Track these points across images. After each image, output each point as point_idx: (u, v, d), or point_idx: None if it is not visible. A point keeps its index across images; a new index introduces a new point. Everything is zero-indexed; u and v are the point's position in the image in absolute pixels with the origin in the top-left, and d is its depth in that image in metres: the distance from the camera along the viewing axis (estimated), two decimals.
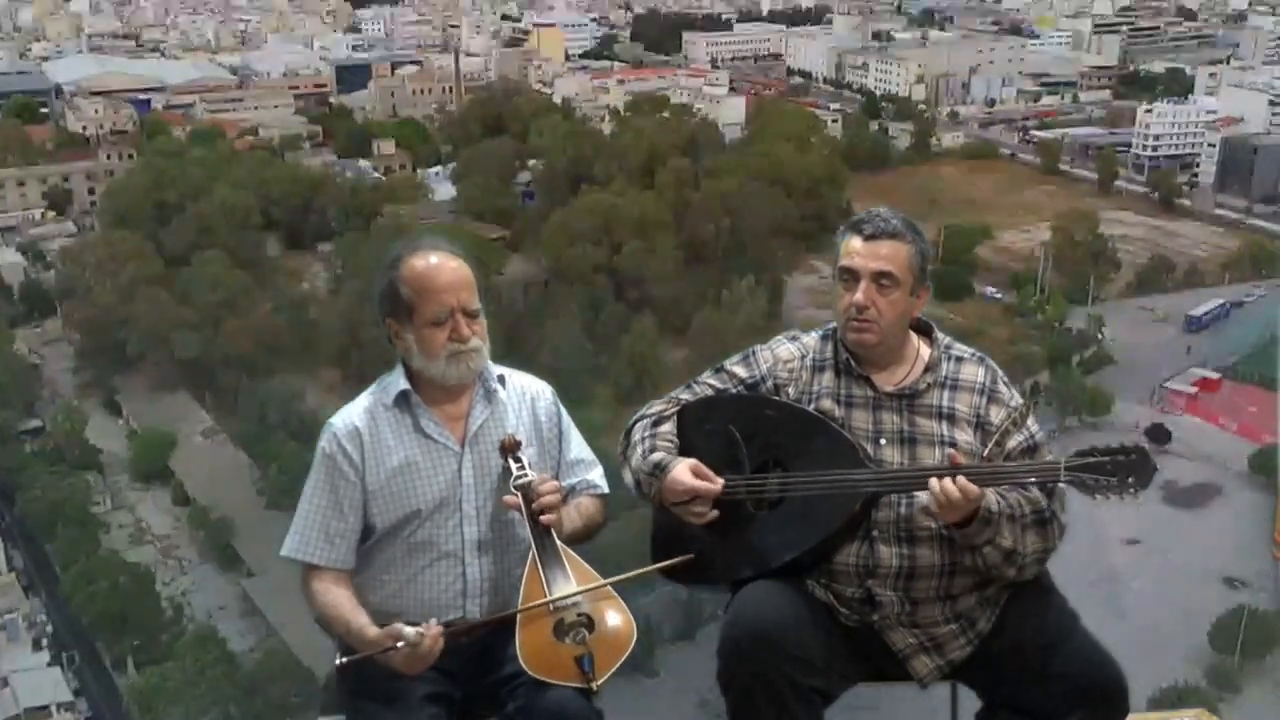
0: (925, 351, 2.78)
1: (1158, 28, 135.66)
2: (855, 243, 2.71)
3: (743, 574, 2.71)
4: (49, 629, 39.36)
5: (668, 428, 2.81)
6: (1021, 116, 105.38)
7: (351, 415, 2.75)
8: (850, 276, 2.69)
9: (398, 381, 2.75)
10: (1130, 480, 2.51)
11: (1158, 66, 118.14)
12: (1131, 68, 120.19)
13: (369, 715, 2.60)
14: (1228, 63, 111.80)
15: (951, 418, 2.71)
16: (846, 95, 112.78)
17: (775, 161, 67.51)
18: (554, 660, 2.51)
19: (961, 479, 2.53)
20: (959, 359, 2.79)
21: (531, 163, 73.07)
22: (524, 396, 2.86)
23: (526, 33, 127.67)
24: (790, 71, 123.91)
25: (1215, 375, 55.21)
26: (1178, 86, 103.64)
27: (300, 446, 40.60)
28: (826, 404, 2.74)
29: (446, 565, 2.73)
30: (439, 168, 79.17)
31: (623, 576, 2.66)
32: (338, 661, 2.57)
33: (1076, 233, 65.91)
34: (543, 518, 2.66)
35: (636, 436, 2.82)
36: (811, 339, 2.86)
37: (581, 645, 2.52)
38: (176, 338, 51.02)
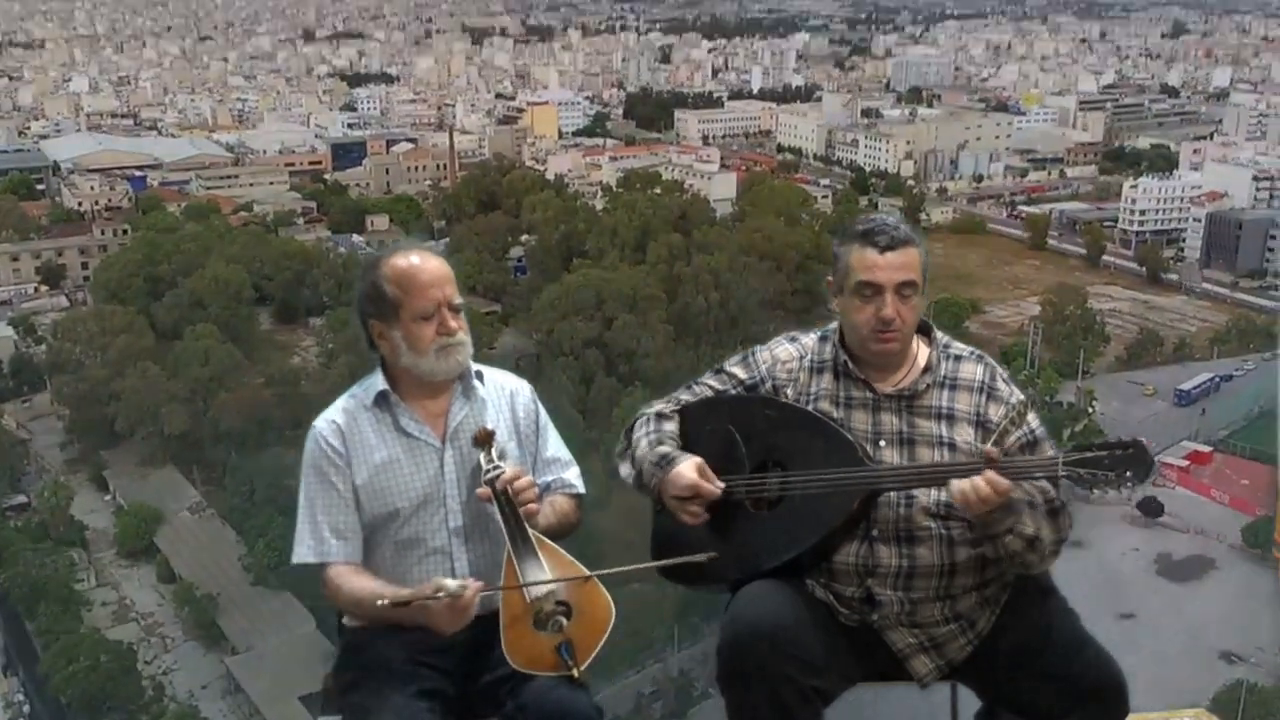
0: (924, 351, 2.76)
1: (1141, 105, 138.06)
2: (872, 255, 2.65)
3: (743, 574, 2.69)
4: (26, 709, 38.66)
5: (671, 425, 2.81)
6: (1009, 192, 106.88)
7: (332, 415, 2.78)
8: (872, 290, 2.65)
9: (376, 382, 2.77)
10: (1128, 474, 2.49)
11: (1142, 142, 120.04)
12: (1117, 144, 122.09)
13: (365, 711, 2.58)
14: (1211, 139, 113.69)
15: (951, 417, 2.69)
16: (836, 171, 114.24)
17: (766, 236, 68.14)
18: (535, 652, 2.52)
19: (990, 473, 2.50)
20: (957, 358, 2.77)
21: (524, 238, 73.69)
22: (503, 392, 2.88)
23: (521, 111, 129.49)
24: (781, 148, 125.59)
25: (1207, 448, 55.22)
26: (1163, 162, 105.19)
27: (288, 522, 40.27)
28: (825, 405, 2.73)
29: (435, 561, 2.74)
30: (432, 242, 79.64)
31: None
32: (380, 603, 2.55)
33: (1065, 306, 66.35)
34: (524, 509, 2.66)
35: (640, 431, 2.82)
36: (810, 340, 2.84)
37: (559, 633, 2.53)
38: (166, 412, 50.83)
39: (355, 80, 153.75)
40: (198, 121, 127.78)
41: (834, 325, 2.79)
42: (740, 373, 2.84)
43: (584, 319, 57.34)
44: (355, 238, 78.51)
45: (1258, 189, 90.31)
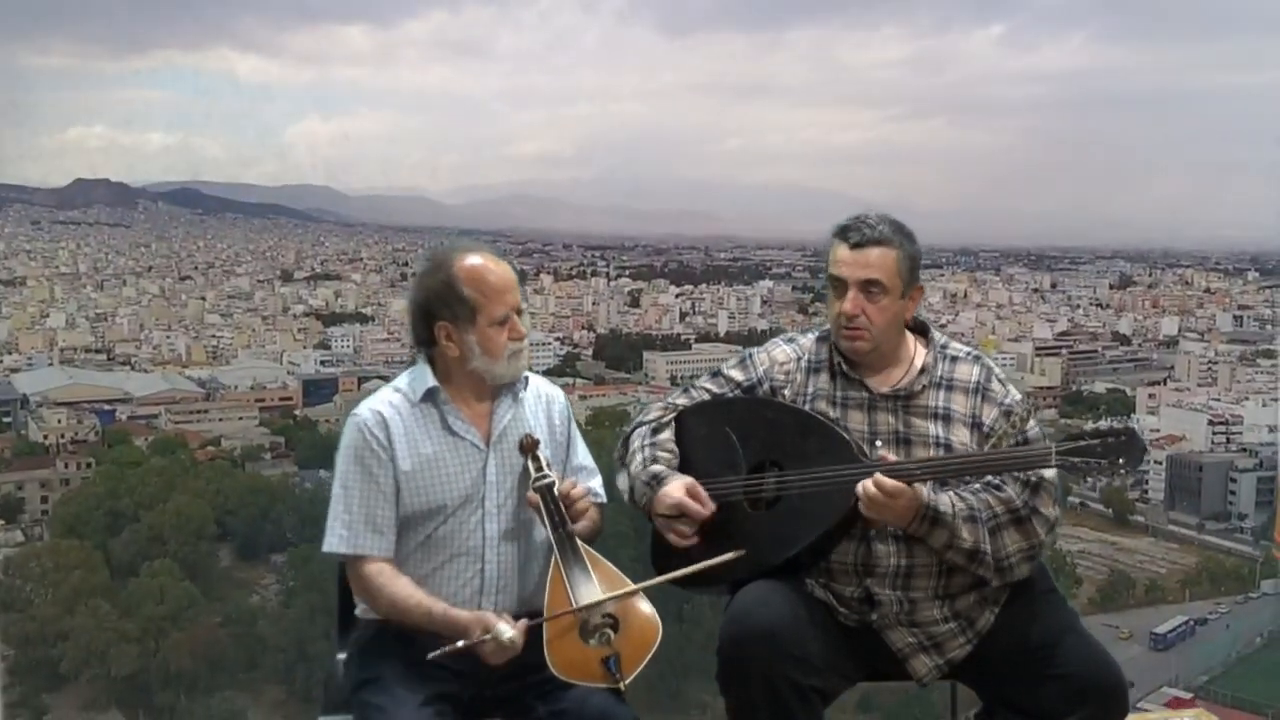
0: (921, 352, 2.79)
1: (1095, 351, 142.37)
2: (842, 251, 2.71)
3: (741, 574, 2.68)
4: None
5: (666, 435, 2.83)
6: None
7: (378, 406, 2.75)
8: (839, 285, 2.71)
9: (425, 378, 2.76)
10: (1121, 461, 2.53)
11: (1099, 387, 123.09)
12: (1074, 388, 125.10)
13: (375, 710, 2.54)
14: (1165, 384, 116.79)
15: (947, 418, 2.71)
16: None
17: None
18: (581, 662, 2.52)
19: (878, 476, 2.52)
20: (954, 358, 2.79)
21: None
22: (539, 398, 2.90)
23: None
24: None
25: (1188, 694, 54.03)
26: (1120, 406, 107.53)
27: None
28: (822, 405, 2.75)
29: (465, 561, 2.72)
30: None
31: (651, 582, 2.70)
32: (429, 656, 2.50)
33: None
34: (576, 525, 2.68)
35: (635, 444, 2.83)
36: (807, 341, 2.86)
37: (607, 646, 2.52)
38: (115, 652, 48.95)
39: (330, 319, 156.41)
40: (171, 357, 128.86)
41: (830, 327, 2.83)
42: (737, 375, 2.87)
43: None
44: (323, 473, 77.94)
45: (1214, 433, 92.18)
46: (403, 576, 2.68)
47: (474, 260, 2.74)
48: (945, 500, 2.60)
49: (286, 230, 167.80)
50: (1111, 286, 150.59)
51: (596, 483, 2.94)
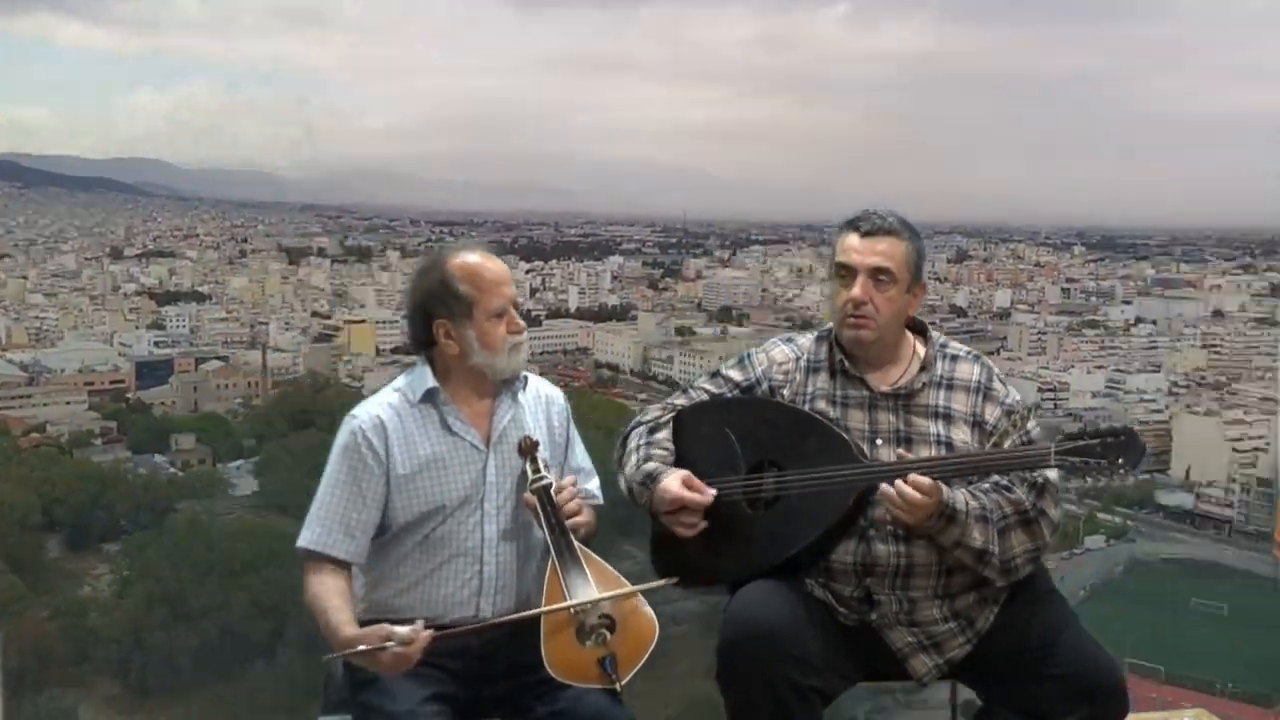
0: (921, 351, 2.78)
1: (934, 323, 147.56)
2: (852, 239, 2.70)
3: (741, 574, 2.67)
4: None
5: (663, 435, 2.83)
6: None
7: (376, 408, 2.74)
8: (847, 273, 2.69)
9: (425, 378, 2.74)
10: (1120, 461, 2.49)
11: None
12: None
13: (375, 710, 2.54)
14: (998, 354, 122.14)
15: (948, 417, 2.70)
16: (654, 386, 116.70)
17: (587, 448, 68.58)
18: (577, 663, 2.52)
19: (914, 476, 2.51)
20: (954, 358, 2.78)
21: None
22: (539, 399, 2.90)
23: (337, 329, 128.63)
24: (598, 364, 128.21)
25: None
26: None
27: None
28: (821, 405, 2.73)
29: (464, 563, 2.71)
30: (241, 461, 77.17)
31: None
32: (324, 659, 2.51)
33: None
34: (571, 520, 2.68)
35: (632, 444, 2.84)
36: (806, 341, 2.85)
37: (603, 646, 2.52)
38: None
39: (165, 298, 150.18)
40: None
41: (831, 325, 2.82)
42: (736, 375, 2.86)
43: None
44: (157, 458, 75.37)
45: (1043, 399, 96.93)
46: (337, 581, 2.64)
47: (467, 257, 2.75)
48: (960, 498, 2.59)
49: (116, 204, 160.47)
50: (949, 261, 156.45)
51: (594, 484, 2.94)
